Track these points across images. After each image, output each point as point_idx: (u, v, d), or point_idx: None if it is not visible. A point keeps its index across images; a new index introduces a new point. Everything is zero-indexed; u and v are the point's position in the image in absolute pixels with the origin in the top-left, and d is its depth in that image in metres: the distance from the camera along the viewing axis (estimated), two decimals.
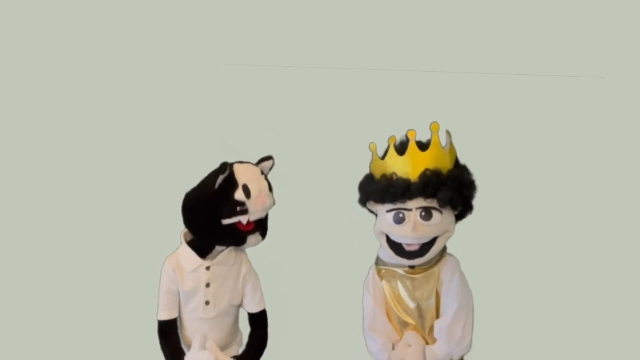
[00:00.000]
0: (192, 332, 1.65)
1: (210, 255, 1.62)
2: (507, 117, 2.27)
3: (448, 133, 1.59)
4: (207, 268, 1.61)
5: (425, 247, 1.57)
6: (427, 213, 1.53)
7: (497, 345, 1.84)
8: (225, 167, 1.53)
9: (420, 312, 1.63)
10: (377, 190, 1.55)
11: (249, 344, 1.69)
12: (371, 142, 1.59)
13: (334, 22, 2.32)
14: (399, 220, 1.54)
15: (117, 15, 2.31)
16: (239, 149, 2.21)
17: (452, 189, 1.53)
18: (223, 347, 1.67)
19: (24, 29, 2.30)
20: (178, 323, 1.67)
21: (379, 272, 1.66)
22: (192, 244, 1.62)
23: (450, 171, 1.55)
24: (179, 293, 1.64)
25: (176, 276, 1.61)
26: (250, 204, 1.54)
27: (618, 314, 2.09)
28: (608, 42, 2.29)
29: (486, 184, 1.91)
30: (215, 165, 1.61)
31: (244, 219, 1.54)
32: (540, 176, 2.23)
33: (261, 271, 1.72)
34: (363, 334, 1.68)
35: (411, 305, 1.63)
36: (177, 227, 1.64)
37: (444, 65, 2.29)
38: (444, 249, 1.65)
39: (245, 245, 1.60)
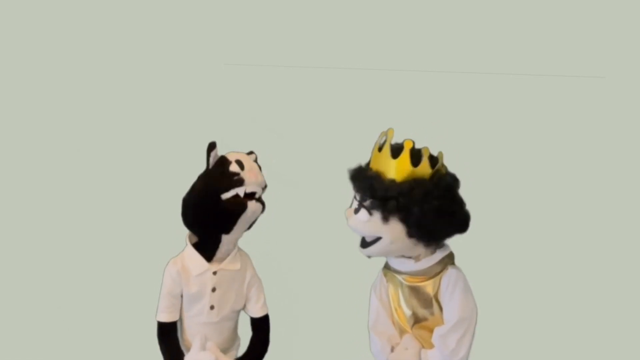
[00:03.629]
0: (192, 335, 1.64)
1: (216, 259, 1.61)
2: (507, 117, 2.27)
3: (426, 151, 1.55)
4: (214, 273, 1.61)
5: (366, 242, 1.58)
6: (358, 207, 1.55)
7: (495, 351, 1.84)
8: (214, 145, 1.57)
9: (416, 319, 1.63)
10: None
11: (250, 348, 1.69)
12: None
13: (333, 22, 2.32)
14: (350, 205, 1.59)
15: (117, 15, 2.31)
16: (238, 149, 2.21)
17: (386, 195, 1.51)
18: (222, 352, 1.66)
19: (25, 29, 2.30)
20: (178, 326, 1.66)
21: (385, 274, 1.66)
22: (197, 246, 1.62)
23: (403, 183, 1.50)
24: (181, 296, 1.63)
25: (181, 279, 1.60)
26: (244, 175, 1.56)
27: (619, 319, 2.08)
28: (608, 42, 2.29)
29: (486, 184, 1.92)
30: None
31: (241, 191, 1.55)
32: (540, 176, 2.24)
33: (261, 272, 1.72)
34: (368, 334, 1.69)
35: (407, 312, 1.63)
36: (176, 227, 1.64)
37: (444, 65, 2.29)
38: (448, 260, 1.62)
39: (247, 211, 1.56)
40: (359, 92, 2.31)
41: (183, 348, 1.66)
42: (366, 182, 1.53)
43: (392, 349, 1.64)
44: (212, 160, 1.56)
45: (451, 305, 1.59)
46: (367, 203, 1.53)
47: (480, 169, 1.69)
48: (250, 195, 1.57)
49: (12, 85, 2.30)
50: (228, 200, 1.55)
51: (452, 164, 1.57)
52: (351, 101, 2.29)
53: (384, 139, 1.56)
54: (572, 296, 2.10)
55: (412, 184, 1.50)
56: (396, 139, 1.57)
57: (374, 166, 1.55)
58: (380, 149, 1.55)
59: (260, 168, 1.62)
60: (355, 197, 1.58)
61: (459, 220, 1.55)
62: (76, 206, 2.24)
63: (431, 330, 1.61)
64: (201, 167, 1.66)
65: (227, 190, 1.54)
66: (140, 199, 2.21)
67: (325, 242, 2.10)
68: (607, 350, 1.96)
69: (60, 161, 2.26)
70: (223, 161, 1.57)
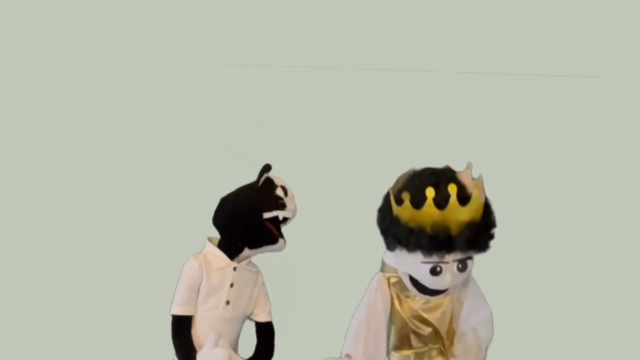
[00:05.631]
0: (205, 330, 1.65)
1: (237, 259, 1.65)
2: (507, 117, 2.27)
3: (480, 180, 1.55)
4: (234, 269, 1.64)
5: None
6: (463, 265, 1.52)
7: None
8: (269, 166, 1.64)
9: (435, 321, 1.61)
10: (415, 242, 1.48)
11: (257, 352, 1.71)
12: (405, 192, 1.49)
13: (334, 22, 2.32)
14: (437, 273, 1.51)
15: (118, 15, 2.31)
16: (239, 149, 2.21)
17: (487, 237, 1.51)
18: None
19: (25, 29, 2.30)
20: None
21: (388, 280, 1.61)
22: (220, 246, 1.65)
23: (482, 217, 1.50)
24: (198, 291, 1.64)
25: (202, 271, 1.63)
26: (287, 201, 1.64)
27: (620, 318, 2.09)
28: (608, 42, 2.29)
29: (485, 184, 1.91)
30: (214, 164, 1.61)
31: (281, 214, 1.62)
32: (540, 176, 2.24)
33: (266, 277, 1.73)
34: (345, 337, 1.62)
35: (426, 315, 1.60)
36: (176, 226, 1.64)
37: (444, 65, 2.29)
38: None
39: (275, 246, 1.64)
40: (359, 92, 2.31)
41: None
42: (475, 239, 1.49)
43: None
44: (262, 179, 1.63)
45: (476, 294, 1.60)
46: (470, 253, 1.50)
47: (479, 168, 1.69)
48: (285, 220, 1.65)
49: (13, 87, 2.30)
50: (268, 219, 1.62)
51: (451, 164, 1.57)
52: (352, 101, 2.29)
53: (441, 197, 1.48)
54: (572, 296, 2.10)
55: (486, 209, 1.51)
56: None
57: (448, 225, 1.47)
58: (441, 207, 1.46)
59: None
60: (439, 264, 1.50)
61: None
62: (73, 206, 2.24)
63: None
64: (201, 168, 1.67)
65: (270, 210, 1.62)
66: (139, 198, 2.21)
67: (327, 243, 2.11)
68: (608, 349, 1.96)
69: (59, 161, 2.26)
70: (270, 183, 1.64)
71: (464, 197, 1.47)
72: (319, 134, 2.25)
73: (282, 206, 1.63)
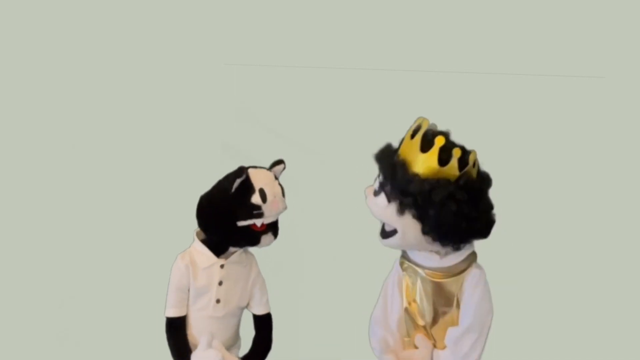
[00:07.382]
0: (198, 330, 1.65)
1: (224, 255, 1.63)
2: (507, 117, 2.27)
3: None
4: (222, 266, 1.62)
5: (385, 232, 1.53)
6: (378, 190, 1.50)
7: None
8: (242, 171, 1.55)
9: (434, 316, 1.56)
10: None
11: (254, 346, 1.70)
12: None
13: (333, 22, 2.32)
14: (373, 183, 1.53)
15: (118, 15, 2.32)
16: (239, 149, 2.22)
17: (399, 188, 1.45)
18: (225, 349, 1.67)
19: (24, 29, 2.31)
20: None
21: (402, 264, 1.59)
22: (206, 242, 1.63)
23: (417, 176, 1.44)
24: (189, 290, 1.64)
25: (189, 273, 1.61)
26: (265, 208, 1.56)
27: (621, 319, 2.09)
28: (608, 42, 2.30)
29: None
30: (214, 164, 1.61)
31: (258, 222, 1.57)
32: (540, 176, 2.24)
33: (266, 273, 1.72)
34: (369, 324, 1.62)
35: (426, 308, 1.56)
36: (176, 227, 1.64)
37: (444, 65, 2.29)
38: (473, 258, 1.57)
39: (259, 245, 1.61)
40: (359, 92, 2.31)
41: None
42: (391, 167, 1.46)
43: (396, 345, 1.60)
44: (236, 185, 1.55)
45: (468, 306, 1.52)
46: (387, 188, 1.47)
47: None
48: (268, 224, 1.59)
49: (13, 87, 2.30)
50: (243, 227, 1.56)
51: None
52: (352, 101, 2.30)
53: (417, 125, 1.49)
54: (577, 298, 2.10)
55: (434, 184, 1.43)
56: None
57: (403, 152, 1.48)
58: (412, 136, 1.48)
59: (282, 190, 1.61)
60: (378, 177, 1.51)
61: (479, 226, 1.49)
62: (73, 206, 2.24)
63: (445, 329, 1.56)
64: (201, 168, 1.66)
65: (244, 219, 1.56)
66: (139, 198, 2.21)
67: (327, 241, 2.11)
68: (608, 349, 1.96)
69: (59, 162, 2.27)
70: (247, 187, 1.56)
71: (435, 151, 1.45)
72: (318, 134, 2.25)
73: (258, 215, 1.55)
